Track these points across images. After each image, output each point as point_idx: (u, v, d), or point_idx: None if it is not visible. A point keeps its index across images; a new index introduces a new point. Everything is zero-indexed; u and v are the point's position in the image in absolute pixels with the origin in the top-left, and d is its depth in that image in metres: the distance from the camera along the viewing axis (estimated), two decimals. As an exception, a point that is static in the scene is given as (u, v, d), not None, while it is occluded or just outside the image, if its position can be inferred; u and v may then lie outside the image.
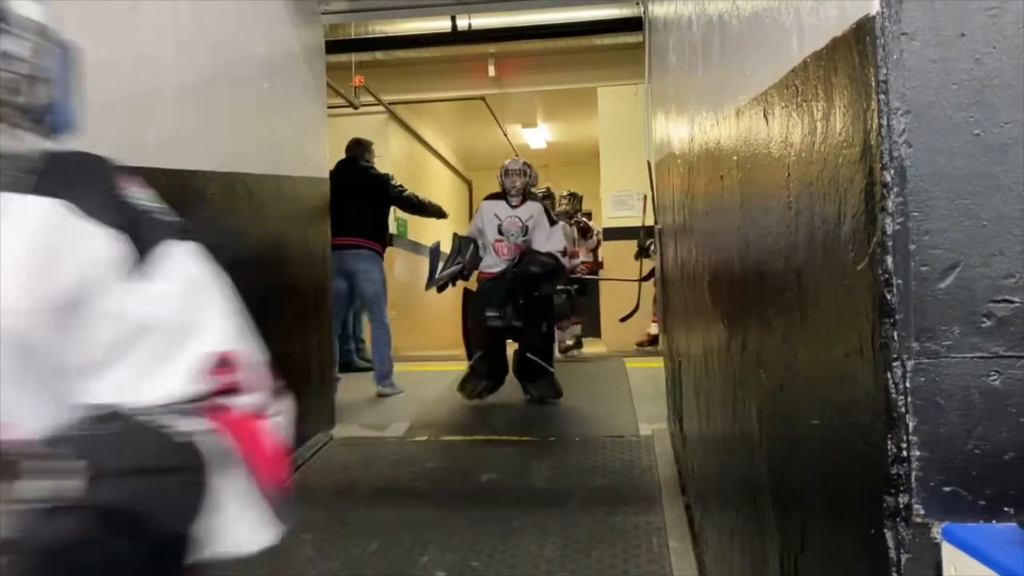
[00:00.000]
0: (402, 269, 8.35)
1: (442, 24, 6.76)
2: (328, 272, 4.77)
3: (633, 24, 6.24)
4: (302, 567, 2.84)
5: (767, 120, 1.32)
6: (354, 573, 2.81)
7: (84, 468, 0.68)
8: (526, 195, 5.19)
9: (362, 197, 5.42)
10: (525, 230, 5.08)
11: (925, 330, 0.78)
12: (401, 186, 5.74)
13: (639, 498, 3.38)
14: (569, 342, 7.56)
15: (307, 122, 4.47)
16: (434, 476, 3.80)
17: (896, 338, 0.78)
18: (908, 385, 0.78)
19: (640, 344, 7.72)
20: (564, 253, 5.25)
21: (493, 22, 6.78)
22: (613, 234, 8.45)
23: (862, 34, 0.83)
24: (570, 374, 6.35)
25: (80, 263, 0.81)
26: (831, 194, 0.95)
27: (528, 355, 5.09)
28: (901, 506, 0.78)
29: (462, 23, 6.69)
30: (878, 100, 0.79)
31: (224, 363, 0.89)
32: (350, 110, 7.61)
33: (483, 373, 5.13)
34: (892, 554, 0.80)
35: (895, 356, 0.79)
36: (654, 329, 7.73)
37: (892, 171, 0.78)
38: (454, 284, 5.16)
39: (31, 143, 0.87)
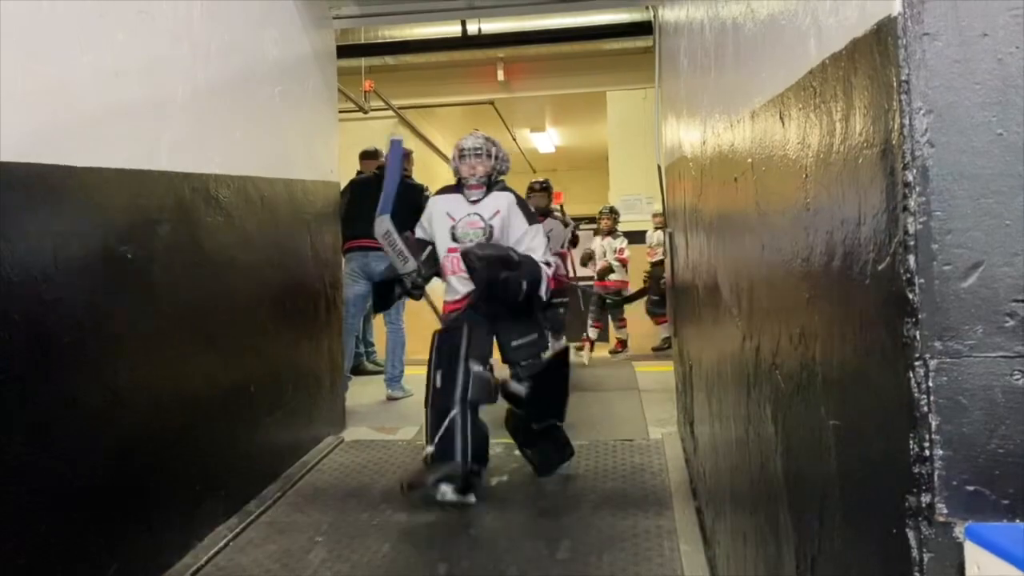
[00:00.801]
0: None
1: (452, 29, 6.78)
2: (338, 276, 4.78)
3: (642, 28, 6.26)
4: (314, 570, 2.84)
5: (783, 122, 1.32)
6: (366, 575, 2.81)
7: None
8: (491, 184, 3.66)
9: (394, 205, 5.39)
10: (489, 233, 3.53)
11: (948, 329, 0.78)
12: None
13: (650, 501, 3.37)
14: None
15: (318, 126, 4.49)
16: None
17: (918, 337, 0.78)
18: (931, 384, 0.78)
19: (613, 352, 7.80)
20: (548, 265, 3.56)
21: (503, 27, 6.80)
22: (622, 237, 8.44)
23: (883, 34, 0.83)
24: (580, 378, 6.35)
25: None
26: (851, 195, 0.96)
27: (534, 425, 3.69)
28: (924, 505, 0.78)
29: (472, 27, 6.71)
30: (900, 100, 0.80)
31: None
32: (360, 114, 7.64)
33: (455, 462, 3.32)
34: (915, 553, 0.80)
35: (917, 356, 0.79)
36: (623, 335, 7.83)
37: (914, 170, 0.79)
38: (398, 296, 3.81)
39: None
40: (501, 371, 3.62)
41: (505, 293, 3.33)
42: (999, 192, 0.78)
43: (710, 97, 2.33)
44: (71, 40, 2.44)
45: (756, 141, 1.57)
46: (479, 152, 3.62)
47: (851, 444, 1.01)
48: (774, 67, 1.40)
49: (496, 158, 3.68)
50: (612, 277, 7.74)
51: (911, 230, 0.79)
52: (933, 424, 0.78)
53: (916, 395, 0.78)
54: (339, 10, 4.81)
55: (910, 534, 0.80)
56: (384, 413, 5.07)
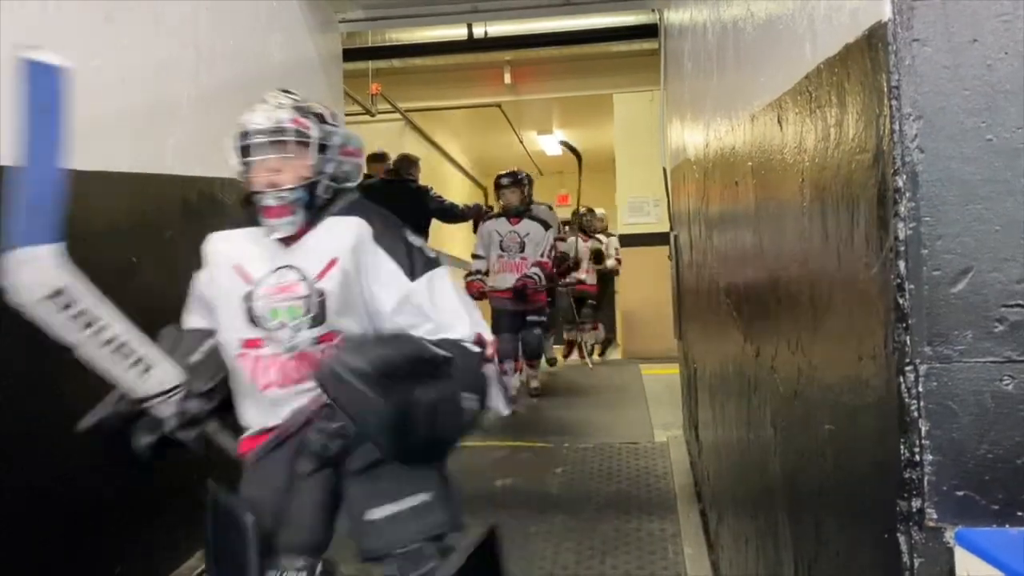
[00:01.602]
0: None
1: (458, 32, 6.79)
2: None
3: (648, 31, 6.25)
4: (318, 571, 2.85)
5: (781, 126, 1.32)
6: (370, 577, 2.81)
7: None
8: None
9: (401, 208, 5.36)
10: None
11: (938, 335, 0.78)
12: (440, 197, 5.79)
13: (654, 504, 3.37)
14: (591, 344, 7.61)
15: (324, 129, 4.50)
16: (449, 481, 3.80)
17: (909, 343, 0.78)
18: (921, 390, 0.78)
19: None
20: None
21: (509, 29, 6.80)
22: (629, 240, 8.44)
23: (874, 40, 0.83)
24: (585, 380, 6.35)
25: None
26: (844, 200, 0.96)
27: None
28: (914, 510, 0.79)
29: (478, 31, 6.71)
30: (890, 106, 0.80)
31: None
32: (367, 117, 7.65)
33: None
34: (905, 558, 0.80)
35: (908, 361, 0.79)
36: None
37: (904, 176, 0.79)
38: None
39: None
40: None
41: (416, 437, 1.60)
42: (988, 197, 0.78)
43: (712, 100, 2.33)
44: (77, 45, 2.46)
45: (756, 144, 1.57)
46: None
47: (845, 449, 1.01)
48: (772, 70, 1.41)
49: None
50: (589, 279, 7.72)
51: (901, 235, 0.79)
52: (923, 429, 0.78)
53: (906, 400, 0.79)
54: (345, 14, 4.83)
55: (901, 539, 0.80)
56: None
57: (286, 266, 1.74)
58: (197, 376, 1.75)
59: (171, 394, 1.68)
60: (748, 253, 1.69)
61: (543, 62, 7.69)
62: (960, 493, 0.77)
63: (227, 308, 1.80)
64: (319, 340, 1.69)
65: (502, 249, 5.06)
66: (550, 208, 6.30)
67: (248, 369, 1.75)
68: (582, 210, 7.62)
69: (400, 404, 1.50)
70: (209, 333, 1.87)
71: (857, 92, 0.90)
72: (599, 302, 7.95)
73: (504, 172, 5.33)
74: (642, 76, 7.14)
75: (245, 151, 1.81)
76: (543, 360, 5.94)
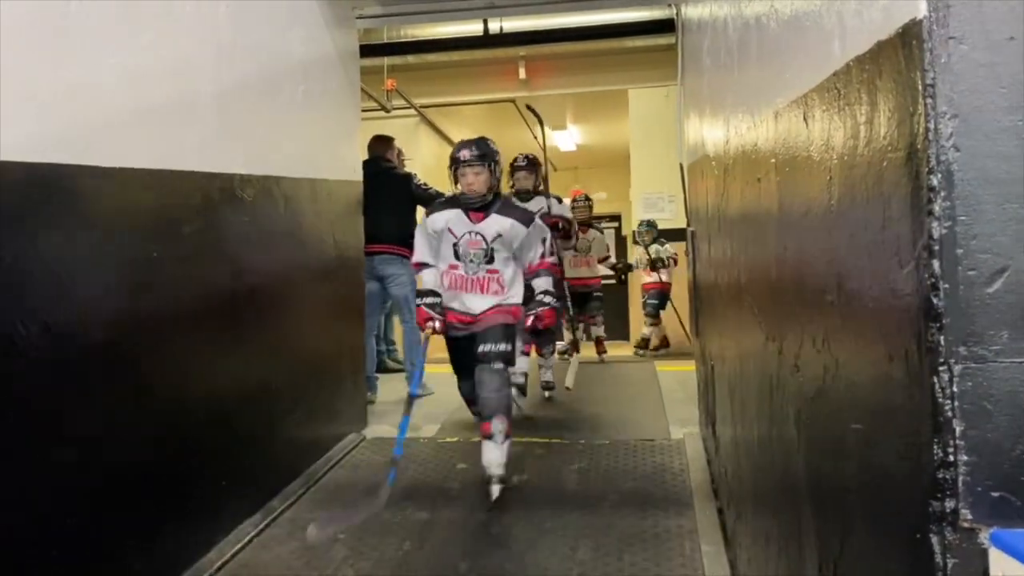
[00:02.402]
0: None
1: (474, 28, 6.79)
2: (361, 275, 4.81)
3: (665, 26, 6.23)
4: (336, 566, 2.87)
5: (807, 123, 1.31)
6: (388, 573, 2.83)
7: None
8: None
9: (386, 199, 5.24)
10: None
11: (972, 335, 0.77)
12: (425, 184, 5.54)
13: (671, 502, 3.36)
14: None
15: (341, 126, 4.52)
16: (465, 477, 3.81)
17: (943, 343, 0.78)
18: (955, 390, 0.78)
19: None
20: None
21: (525, 25, 6.80)
22: (644, 236, 8.43)
23: (908, 37, 0.83)
24: (600, 377, 6.35)
25: None
26: (875, 198, 0.95)
27: None
28: (948, 511, 0.78)
29: (494, 26, 6.71)
30: (925, 104, 0.79)
31: None
32: (382, 113, 7.66)
33: None
34: (938, 559, 0.79)
35: (942, 361, 0.78)
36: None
37: (939, 175, 0.78)
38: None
39: None
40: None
41: None
42: (1025, 197, 0.77)
43: (733, 96, 2.32)
44: (97, 41, 2.47)
45: (780, 141, 1.56)
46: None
47: (874, 448, 1.01)
48: (798, 67, 1.40)
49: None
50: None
51: (935, 235, 0.79)
52: (958, 430, 0.77)
53: (940, 400, 0.78)
54: (362, 10, 4.84)
55: (934, 539, 0.80)
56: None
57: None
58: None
59: None
60: (771, 250, 1.68)
61: (558, 58, 7.67)
62: (995, 494, 0.77)
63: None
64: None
65: None
66: (560, 200, 6.23)
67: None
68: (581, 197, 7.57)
69: None
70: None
71: (890, 90, 0.89)
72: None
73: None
74: (658, 72, 7.11)
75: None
76: (555, 352, 5.89)
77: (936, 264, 0.78)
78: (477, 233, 3.50)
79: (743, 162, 2.09)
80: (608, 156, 12.49)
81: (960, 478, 0.77)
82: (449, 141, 10.19)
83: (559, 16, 6.80)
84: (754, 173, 1.88)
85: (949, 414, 0.78)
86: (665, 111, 7.95)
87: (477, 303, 3.54)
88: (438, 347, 6.02)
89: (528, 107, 5.91)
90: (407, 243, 5.43)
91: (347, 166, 4.55)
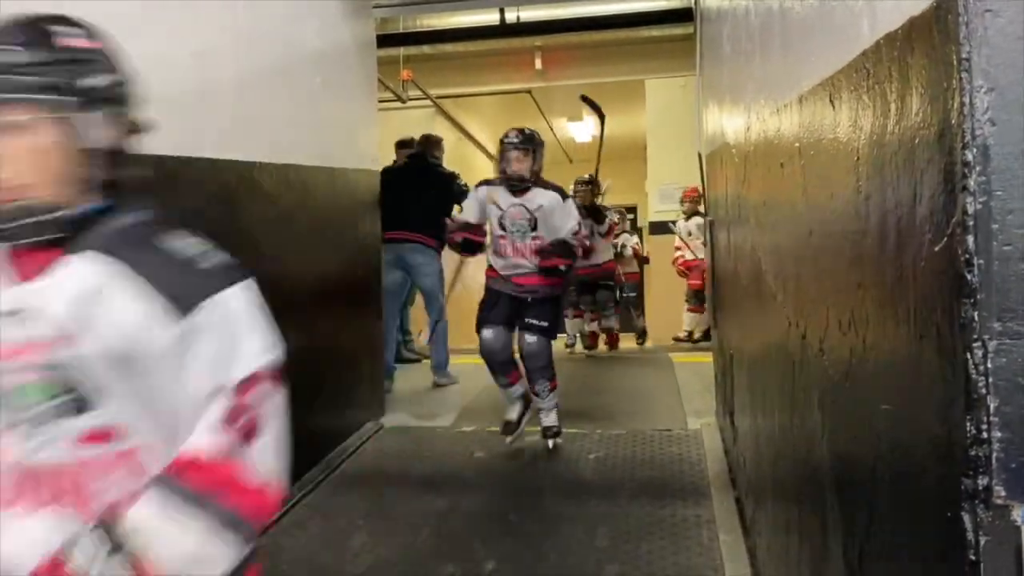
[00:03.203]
0: (447, 263, 8.41)
1: (490, 17, 6.78)
2: (379, 264, 4.83)
3: (682, 15, 6.20)
4: (355, 553, 2.89)
5: (834, 105, 1.30)
6: (408, 559, 2.84)
7: None
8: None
9: (426, 193, 5.42)
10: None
11: (1008, 310, 0.76)
12: (467, 185, 5.67)
13: (688, 491, 3.37)
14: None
15: (359, 115, 4.53)
16: (482, 466, 3.83)
17: (977, 319, 0.77)
18: (989, 366, 0.77)
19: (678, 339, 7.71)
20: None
21: (541, 14, 6.78)
22: (659, 228, 8.41)
23: (943, 12, 0.82)
24: (616, 368, 6.34)
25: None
26: (906, 176, 0.94)
27: None
28: (980, 488, 0.77)
29: (510, 15, 6.70)
30: (960, 79, 0.78)
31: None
32: (398, 104, 7.67)
33: None
34: (970, 537, 0.79)
35: (975, 337, 0.77)
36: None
37: (974, 150, 0.77)
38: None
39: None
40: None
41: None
42: (1063, 171, 0.76)
43: (755, 83, 2.31)
44: (116, 28, 2.48)
45: (804, 125, 1.55)
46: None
47: (903, 428, 1.00)
48: (824, 50, 1.39)
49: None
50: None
51: (970, 210, 0.78)
52: (991, 406, 0.77)
53: (974, 377, 0.77)
54: (379, -1, 4.85)
55: (966, 517, 0.79)
56: (423, 400, 5.12)
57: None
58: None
59: None
60: (796, 235, 1.68)
61: (574, 47, 7.65)
62: (1030, 471, 0.76)
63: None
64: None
65: None
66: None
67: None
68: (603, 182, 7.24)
69: None
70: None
71: (922, 66, 0.88)
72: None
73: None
74: (675, 62, 7.08)
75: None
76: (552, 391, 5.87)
77: (970, 240, 0.78)
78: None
79: (765, 148, 2.08)
80: (624, 147, 12.44)
81: (994, 455, 0.76)
82: (465, 132, 10.20)
83: (576, 5, 6.78)
84: (777, 158, 1.87)
85: (983, 391, 0.77)
86: (682, 101, 7.91)
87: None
88: (460, 338, 6.03)
89: (583, 97, 5.77)
90: (438, 236, 5.53)
91: (365, 155, 4.56)
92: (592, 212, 6.53)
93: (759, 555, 2.51)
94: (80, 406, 1.04)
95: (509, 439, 4.01)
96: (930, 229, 0.87)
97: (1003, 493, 0.77)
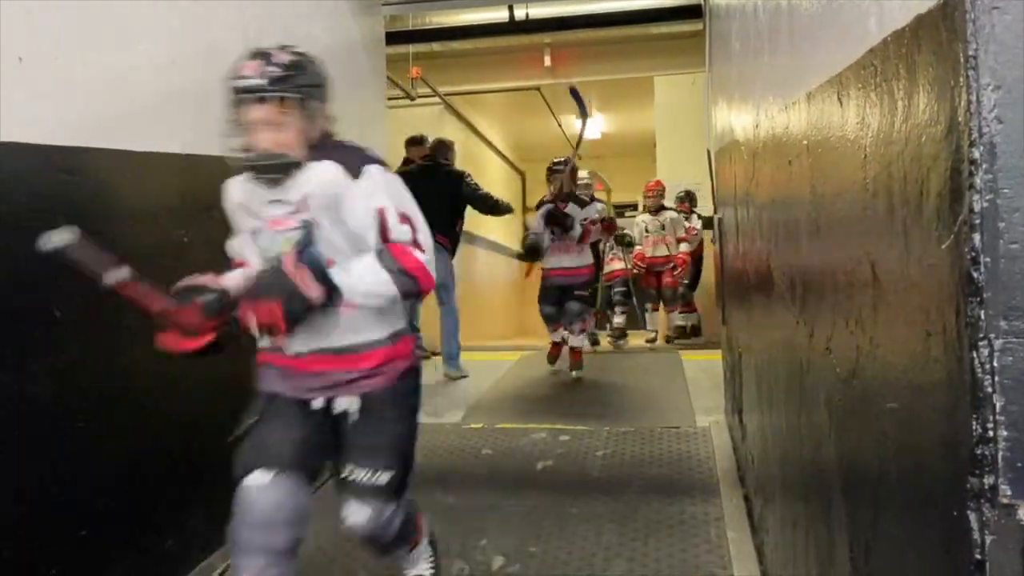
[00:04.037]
0: (457, 261, 8.42)
1: (499, 15, 6.78)
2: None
3: (691, 12, 6.18)
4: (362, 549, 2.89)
5: (841, 102, 1.30)
6: (414, 555, 2.85)
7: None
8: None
9: (437, 193, 5.43)
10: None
11: (1014, 309, 0.76)
12: (476, 185, 5.84)
13: (697, 488, 3.36)
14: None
15: (367, 113, 4.53)
16: (490, 463, 3.83)
17: (983, 317, 0.77)
18: (996, 364, 0.77)
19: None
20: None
21: (550, 11, 6.77)
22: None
23: (950, 9, 0.81)
24: (625, 366, 6.34)
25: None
26: (913, 174, 0.94)
27: None
28: (986, 487, 0.77)
29: (519, 13, 6.70)
30: (967, 76, 0.78)
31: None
32: (407, 101, 7.68)
33: None
34: (975, 536, 0.79)
35: (982, 335, 0.77)
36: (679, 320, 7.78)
37: (981, 148, 0.77)
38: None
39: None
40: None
41: None
42: (1070, 169, 0.76)
43: (763, 80, 2.30)
44: (128, 28, 2.50)
45: (812, 123, 1.54)
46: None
47: (910, 427, 1.00)
48: (832, 48, 1.38)
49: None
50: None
51: (976, 208, 0.78)
52: (998, 405, 0.76)
53: (980, 375, 0.77)
54: (388, -3, 4.85)
55: (971, 516, 0.79)
56: (431, 397, 5.12)
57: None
58: None
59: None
60: (803, 232, 1.67)
61: (583, 44, 7.64)
62: (1036, 470, 0.76)
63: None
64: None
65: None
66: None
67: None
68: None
69: None
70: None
71: (929, 63, 0.88)
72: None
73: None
74: (684, 59, 7.07)
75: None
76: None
77: (977, 238, 0.77)
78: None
79: (774, 145, 2.07)
80: (633, 144, 12.44)
81: (1000, 453, 0.76)
82: (473, 129, 10.20)
83: (585, 2, 6.77)
84: (785, 156, 1.86)
85: (989, 389, 0.77)
86: (691, 98, 7.90)
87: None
88: (471, 335, 6.03)
89: (572, 91, 5.26)
90: (446, 233, 5.62)
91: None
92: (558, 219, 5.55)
93: (767, 553, 2.51)
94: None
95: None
96: (937, 227, 0.87)
97: (1009, 492, 0.77)
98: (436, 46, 7.27)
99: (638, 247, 7.56)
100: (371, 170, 1.99)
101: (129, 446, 2.42)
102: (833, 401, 1.44)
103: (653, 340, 7.67)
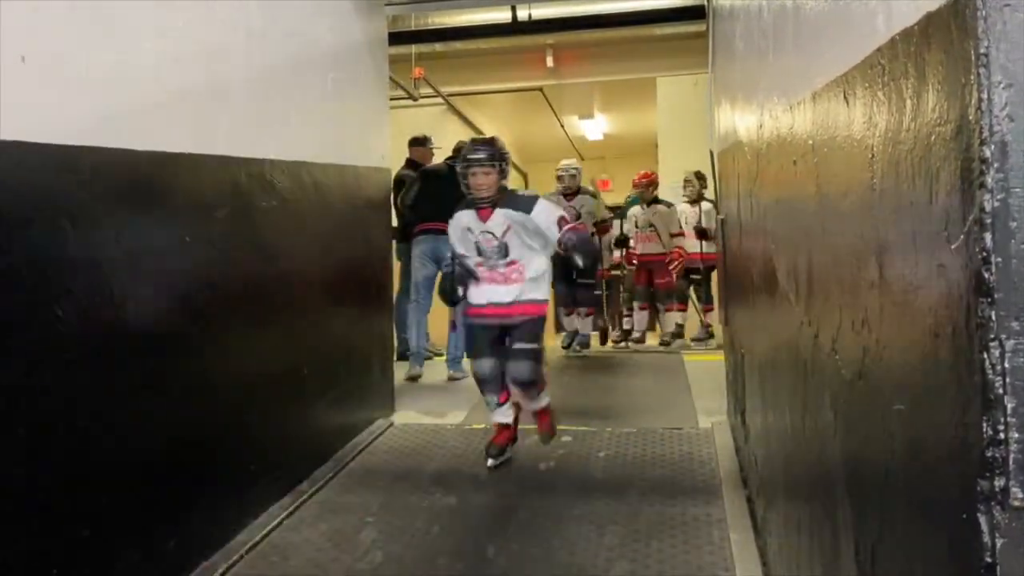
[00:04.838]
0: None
1: (502, 15, 6.77)
2: (389, 260, 4.84)
3: (694, 13, 6.17)
4: (366, 549, 2.89)
5: (848, 102, 1.29)
6: (417, 556, 2.84)
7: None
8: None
9: (459, 189, 5.57)
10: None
11: (1026, 309, 0.75)
12: None
13: (699, 490, 3.35)
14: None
15: (370, 113, 4.53)
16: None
17: (994, 317, 0.76)
18: (1007, 366, 0.76)
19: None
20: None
21: (553, 12, 6.76)
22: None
23: (961, 7, 0.80)
24: (627, 366, 6.33)
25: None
26: (921, 173, 0.93)
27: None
28: (997, 490, 0.76)
29: (522, 13, 6.69)
30: (978, 74, 0.77)
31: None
32: (410, 102, 7.68)
33: None
34: (986, 539, 0.78)
35: (992, 336, 0.76)
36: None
37: (992, 146, 0.76)
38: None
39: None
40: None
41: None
42: (1083, 168, 0.75)
43: (768, 80, 2.29)
44: (132, 26, 2.49)
45: (818, 123, 1.54)
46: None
47: (917, 429, 0.99)
48: (838, 47, 1.37)
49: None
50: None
51: (988, 207, 0.77)
52: (1009, 406, 0.75)
53: (991, 377, 0.76)
54: (391, -3, 4.84)
55: (982, 519, 0.78)
56: (433, 398, 5.12)
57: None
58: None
59: None
60: (808, 233, 1.66)
61: (586, 45, 7.64)
62: (1047, 472, 0.75)
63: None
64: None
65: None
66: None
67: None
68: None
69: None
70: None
71: (939, 62, 0.87)
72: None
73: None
74: (687, 59, 7.05)
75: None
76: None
77: (988, 238, 0.76)
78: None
79: (778, 145, 2.06)
80: (636, 145, 12.42)
81: (1011, 456, 0.75)
82: (476, 129, 10.20)
83: (588, 3, 6.76)
84: (790, 156, 1.86)
85: (1000, 391, 0.76)
86: (694, 99, 7.89)
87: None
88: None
89: None
90: None
91: (376, 153, 4.56)
92: None
93: (770, 555, 2.50)
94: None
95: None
96: (946, 227, 0.86)
97: (1020, 495, 0.76)
98: (439, 46, 7.26)
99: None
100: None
101: (129, 446, 2.41)
102: (839, 402, 1.43)
103: (639, 340, 7.42)
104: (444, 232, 5.51)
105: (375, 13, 4.64)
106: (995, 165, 0.76)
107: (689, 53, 6.65)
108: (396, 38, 6.11)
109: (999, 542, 0.77)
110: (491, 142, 3.75)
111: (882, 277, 1.12)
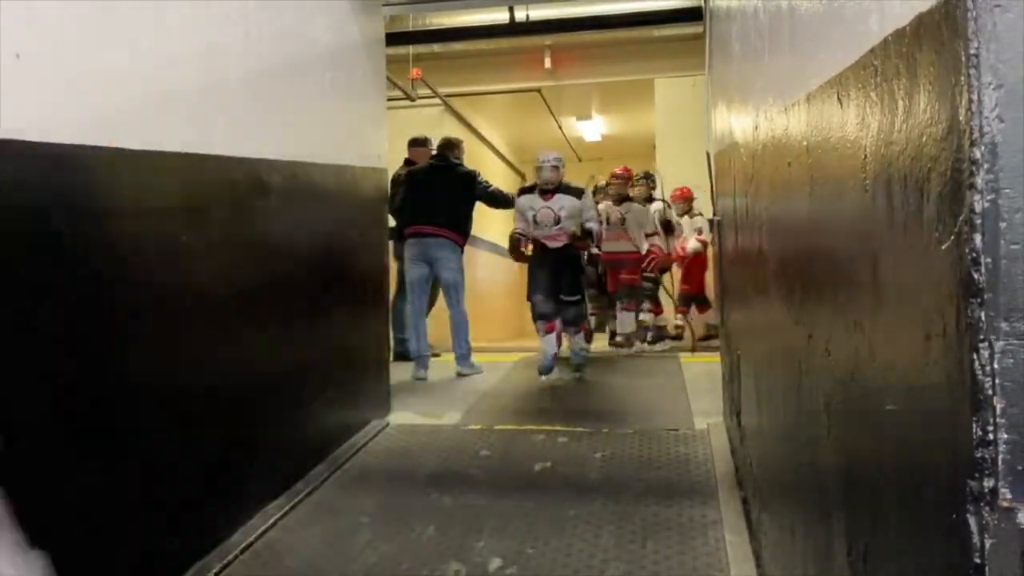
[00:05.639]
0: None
1: (499, 16, 6.77)
2: (385, 261, 4.84)
3: (691, 15, 6.17)
4: (360, 550, 2.89)
5: (841, 103, 1.29)
6: (412, 556, 2.84)
7: None
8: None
9: (450, 191, 5.73)
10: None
11: (1015, 310, 0.75)
12: (487, 183, 6.00)
13: (695, 491, 3.35)
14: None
15: (367, 113, 4.53)
16: (488, 464, 3.82)
17: (984, 318, 0.76)
18: (996, 367, 0.76)
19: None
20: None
21: (550, 13, 6.77)
22: (667, 226, 8.36)
23: (952, 7, 0.81)
24: (623, 367, 6.33)
25: None
26: (913, 174, 0.93)
27: None
28: (986, 490, 0.76)
29: (520, 14, 6.69)
30: (968, 75, 0.77)
31: None
32: (407, 102, 7.68)
33: None
34: (975, 539, 0.78)
35: (982, 337, 0.76)
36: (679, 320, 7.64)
37: (982, 147, 0.76)
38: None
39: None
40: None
41: None
42: (1072, 169, 0.75)
43: (763, 81, 2.29)
44: (129, 24, 2.49)
45: (812, 124, 1.54)
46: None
47: (909, 429, 0.99)
48: (832, 48, 1.37)
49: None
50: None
51: (977, 208, 0.77)
52: (998, 407, 0.76)
53: (980, 377, 0.76)
54: (389, -3, 4.84)
55: (971, 520, 0.78)
56: (430, 398, 5.12)
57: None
58: None
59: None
60: (802, 234, 1.66)
61: (584, 46, 7.64)
62: (1036, 473, 0.75)
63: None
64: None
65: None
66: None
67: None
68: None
69: None
70: None
71: (930, 63, 0.87)
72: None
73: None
74: (684, 61, 7.06)
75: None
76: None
77: (978, 238, 0.77)
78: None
79: (773, 147, 2.07)
80: (634, 146, 12.43)
81: (1000, 457, 0.75)
82: (473, 130, 10.20)
83: (585, 4, 6.76)
84: (784, 157, 1.86)
85: (989, 392, 0.76)
86: (691, 100, 7.90)
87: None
88: (472, 336, 6.06)
89: None
90: (459, 230, 5.68)
91: (373, 153, 4.56)
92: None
93: (765, 556, 2.50)
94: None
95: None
96: (937, 227, 0.86)
97: (1009, 496, 0.76)
98: (436, 47, 7.27)
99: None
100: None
101: (128, 446, 2.41)
102: (832, 403, 1.43)
103: (621, 344, 7.24)
104: (432, 235, 5.59)
105: (373, 13, 4.64)
106: (985, 166, 0.76)
107: (687, 55, 6.66)
108: (394, 39, 6.11)
109: (988, 543, 0.77)
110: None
111: (874, 278, 1.12)
